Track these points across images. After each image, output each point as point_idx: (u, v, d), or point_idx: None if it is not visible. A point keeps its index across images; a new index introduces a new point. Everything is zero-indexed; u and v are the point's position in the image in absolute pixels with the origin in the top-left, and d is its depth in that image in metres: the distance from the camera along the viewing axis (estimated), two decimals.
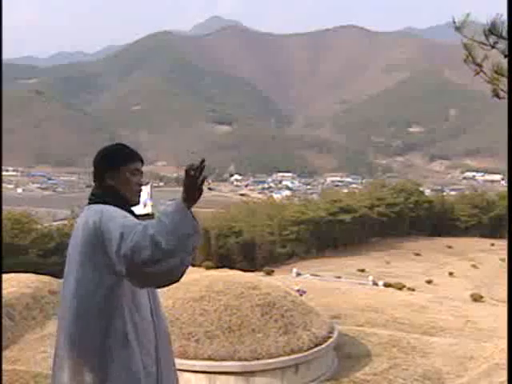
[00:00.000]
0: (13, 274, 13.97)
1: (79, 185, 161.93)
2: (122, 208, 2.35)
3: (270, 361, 9.16)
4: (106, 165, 2.45)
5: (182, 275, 2.08)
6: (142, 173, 2.53)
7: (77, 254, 2.29)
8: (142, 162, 2.54)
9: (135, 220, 2.20)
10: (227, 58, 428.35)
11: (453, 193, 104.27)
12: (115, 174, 2.43)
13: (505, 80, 2.42)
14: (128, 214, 2.28)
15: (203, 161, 2.07)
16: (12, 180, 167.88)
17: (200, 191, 2.07)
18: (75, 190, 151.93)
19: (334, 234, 49.99)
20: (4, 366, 8.65)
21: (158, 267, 2.00)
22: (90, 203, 2.42)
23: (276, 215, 47.76)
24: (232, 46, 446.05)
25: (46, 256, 29.07)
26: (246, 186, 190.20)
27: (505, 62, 2.39)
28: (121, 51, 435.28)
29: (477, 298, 23.49)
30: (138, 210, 2.54)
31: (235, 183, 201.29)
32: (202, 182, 2.07)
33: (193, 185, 2.06)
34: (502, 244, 46.98)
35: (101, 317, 2.25)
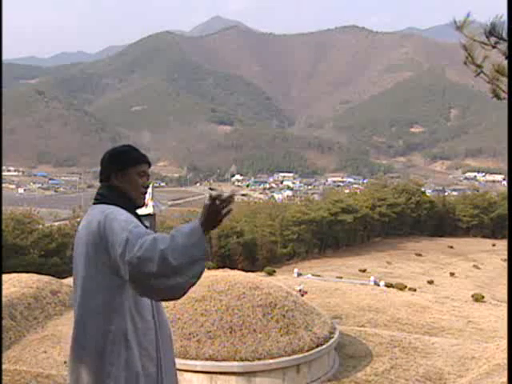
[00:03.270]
0: (14, 274, 13.99)
1: (80, 185, 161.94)
2: (127, 209, 2.36)
3: (272, 361, 9.16)
4: (113, 165, 2.45)
5: (183, 295, 2.09)
6: (148, 176, 2.54)
7: (82, 254, 2.29)
8: (149, 164, 2.55)
9: (142, 227, 2.19)
10: (229, 58, 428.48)
11: (454, 193, 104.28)
12: (122, 174, 2.44)
13: (505, 80, 2.41)
14: (133, 217, 2.28)
15: (232, 195, 2.09)
16: (13, 180, 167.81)
17: (220, 222, 2.07)
18: (76, 190, 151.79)
19: (335, 234, 49.98)
20: (5, 366, 8.65)
21: (161, 282, 2.00)
22: (95, 203, 2.42)
23: (277, 215, 47.74)
24: (233, 46, 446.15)
25: (47, 256, 29.08)
26: (248, 186, 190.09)
27: (506, 62, 2.38)
28: (122, 51, 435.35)
29: (478, 299, 23.38)
30: (139, 209, 2.55)
31: (236, 183, 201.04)
32: (225, 214, 2.07)
33: (215, 214, 2.05)
34: (504, 244, 46.89)
35: (101, 317, 2.25)
